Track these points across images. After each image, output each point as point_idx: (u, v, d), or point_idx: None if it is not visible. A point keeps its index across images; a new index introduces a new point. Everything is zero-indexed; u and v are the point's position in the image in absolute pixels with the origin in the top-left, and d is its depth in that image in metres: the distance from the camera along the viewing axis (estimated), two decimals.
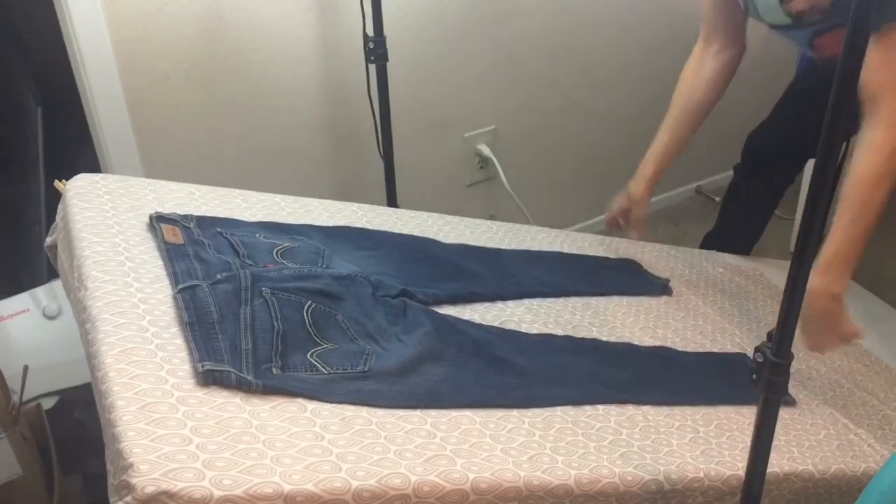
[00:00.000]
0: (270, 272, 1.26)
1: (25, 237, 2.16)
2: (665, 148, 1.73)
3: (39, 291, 1.86)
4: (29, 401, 1.69)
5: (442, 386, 1.16)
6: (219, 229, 1.39)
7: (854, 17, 0.82)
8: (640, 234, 1.79)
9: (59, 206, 1.40)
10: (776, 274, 1.96)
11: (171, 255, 1.26)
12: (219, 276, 1.22)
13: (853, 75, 0.84)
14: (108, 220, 1.34)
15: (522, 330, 1.37)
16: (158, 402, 0.97)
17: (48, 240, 1.42)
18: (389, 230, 1.61)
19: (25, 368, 1.59)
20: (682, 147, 1.74)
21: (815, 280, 1.34)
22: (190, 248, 1.30)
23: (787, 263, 0.95)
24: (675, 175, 2.85)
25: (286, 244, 1.38)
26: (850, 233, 1.35)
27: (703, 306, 1.71)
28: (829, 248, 1.36)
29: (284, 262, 1.33)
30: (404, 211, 1.74)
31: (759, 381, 0.99)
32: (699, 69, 1.71)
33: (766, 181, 2.03)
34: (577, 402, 1.22)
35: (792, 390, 1.47)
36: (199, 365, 1.03)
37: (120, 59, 1.71)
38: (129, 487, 0.86)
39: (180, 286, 1.18)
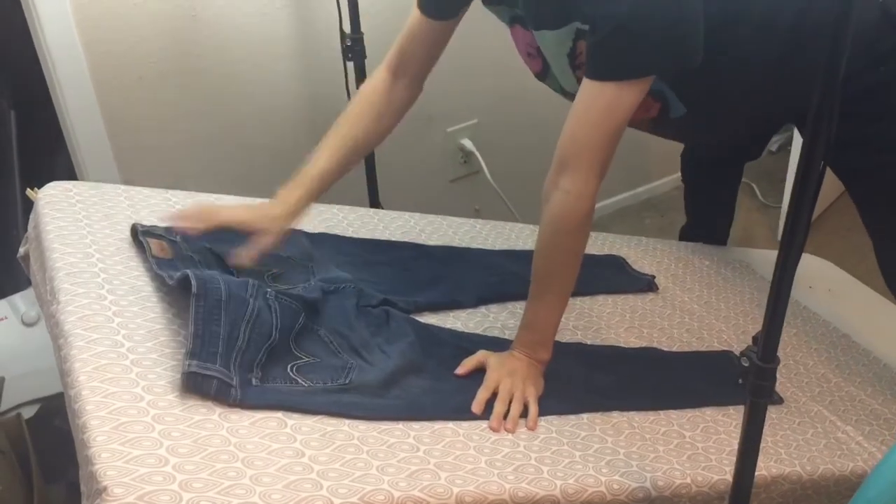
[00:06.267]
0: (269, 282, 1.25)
1: (2, 243, 2.12)
2: (323, 175, 1.37)
3: (17, 298, 1.84)
4: (8, 410, 1.67)
5: (424, 398, 1.15)
6: (206, 244, 1.35)
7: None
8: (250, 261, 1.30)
9: (31, 216, 1.37)
10: (763, 264, 1.95)
11: (162, 267, 1.23)
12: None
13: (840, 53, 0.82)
14: (82, 230, 1.31)
15: (506, 337, 1.36)
16: (133, 422, 0.95)
17: (21, 250, 1.40)
18: (372, 232, 1.60)
19: (2, 379, 1.56)
20: (339, 177, 1.41)
21: (522, 350, 1.25)
22: (179, 263, 1.27)
23: (774, 253, 0.93)
24: (659, 165, 2.84)
25: (275, 270, 1.35)
26: (535, 310, 1.26)
27: (690, 302, 1.70)
28: (521, 326, 1.28)
29: (276, 285, 1.31)
30: (386, 212, 1.72)
31: (745, 385, 0.97)
32: (383, 104, 1.43)
33: (716, 170, 2.03)
34: (561, 411, 1.21)
35: (779, 387, 1.46)
36: (187, 363, 1.01)
37: (91, 62, 1.68)
38: None
39: (188, 271, 1.14)
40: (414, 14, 1.42)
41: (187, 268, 1.24)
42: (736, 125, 1.59)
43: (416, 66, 1.44)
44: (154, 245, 1.29)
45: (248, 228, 1.30)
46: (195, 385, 1.01)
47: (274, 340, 1.12)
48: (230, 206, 1.40)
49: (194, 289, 1.09)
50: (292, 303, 1.20)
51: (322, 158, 1.37)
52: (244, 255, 1.28)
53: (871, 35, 1.38)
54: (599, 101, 1.17)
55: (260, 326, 1.12)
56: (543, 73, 1.43)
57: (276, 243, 1.32)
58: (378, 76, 1.44)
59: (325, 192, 1.38)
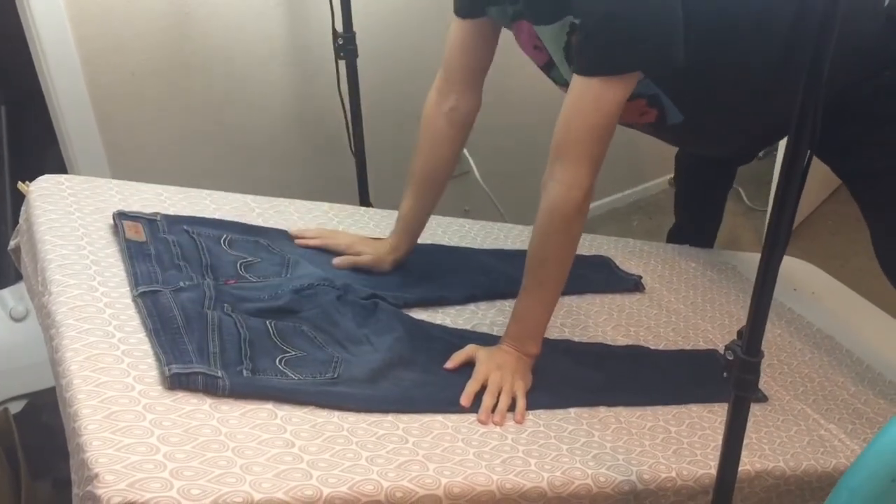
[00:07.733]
0: (232, 289, 1.25)
1: None
2: (415, 220, 1.52)
3: (6, 293, 1.83)
4: None
5: (413, 391, 1.16)
6: (185, 227, 1.37)
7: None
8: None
9: (23, 209, 1.37)
10: (748, 266, 1.97)
11: (132, 253, 1.25)
12: (182, 285, 1.21)
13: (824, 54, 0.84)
14: (73, 223, 1.31)
15: (494, 333, 1.37)
16: (125, 410, 0.96)
17: (12, 243, 1.40)
18: (362, 230, 1.60)
19: None
20: (429, 212, 1.54)
21: (511, 343, 1.27)
22: (152, 246, 1.28)
23: (760, 255, 0.94)
24: (648, 168, 2.86)
25: (249, 258, 1.37)
26: (526, 304, 1.28)
27: (676, 302, 1.71)
28: (511, 319, 1.29)
29: (247, 275, 1.32)
30: (376, 210, 1.73)
31: (729, 378, 0.99)
32: (435, 134, 1.49)
33: (709, 173, 2.05)
34: (549, 405, 1.22)
35: (763, 386, 1.48)
36: (167, 368, 1.02)
37: (84, 57, 1.68)
38: (94, 499, 0.84)
39: (141, 289, 1.16)
40: (452, 26, 1.45)
41: (159, 252, 1.27)
42: (736, 134, 1.60)
43: (461, 75, 1.47)
44: (129, 228, 1.30)
45: (364, 263, 1.46)
46: (181, 385, 1.02)
47: (246, 336, 1.13)
48: (349, 236, 1.53)
49: (150, 324, 1.10)
50: (252, 311, 1.21)
51: (408, 206, 1.51)
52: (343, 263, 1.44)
53: (877, 40, 1.40)
54: (587, 96, 1.21)
55: (228, 329, 1.14)
56: (549, 66, 1.46)
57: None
58: (428, 103, 1.50)
59: (422, 229, 1.54)
